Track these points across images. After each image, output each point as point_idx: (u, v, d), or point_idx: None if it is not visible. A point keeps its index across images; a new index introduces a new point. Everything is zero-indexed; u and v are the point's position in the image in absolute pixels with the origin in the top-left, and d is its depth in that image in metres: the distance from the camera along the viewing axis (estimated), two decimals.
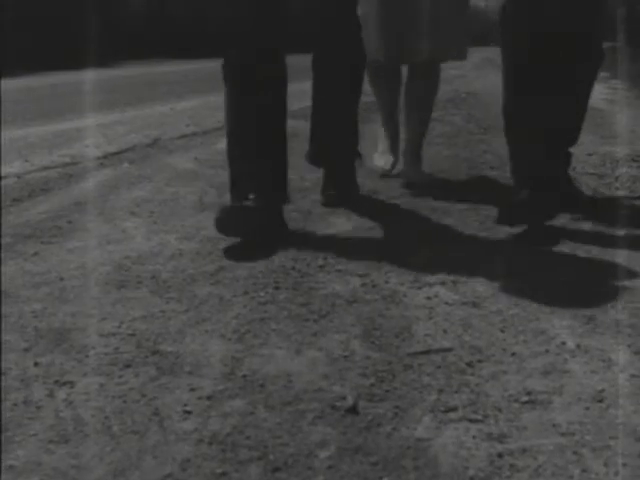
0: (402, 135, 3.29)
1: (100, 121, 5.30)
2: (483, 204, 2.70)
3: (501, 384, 1.44)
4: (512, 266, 2.08)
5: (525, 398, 1.38)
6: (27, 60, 11.66)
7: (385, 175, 3.23)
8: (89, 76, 9.05)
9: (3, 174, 3.45)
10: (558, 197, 2.30)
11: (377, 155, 3.34)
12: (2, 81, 7.86)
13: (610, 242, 2.25)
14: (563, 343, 1.60)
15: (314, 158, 2.80)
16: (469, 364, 1.52)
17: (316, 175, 2.97)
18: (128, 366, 1.54)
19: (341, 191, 2.75)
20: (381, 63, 3.04)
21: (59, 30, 13.32)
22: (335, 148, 2.75)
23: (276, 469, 1.19)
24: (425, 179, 3.13)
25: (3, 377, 1.49)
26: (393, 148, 3.32)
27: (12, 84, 8.59)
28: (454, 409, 1.35)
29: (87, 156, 3.95)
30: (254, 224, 2.26)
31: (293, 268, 2.09)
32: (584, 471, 1.16)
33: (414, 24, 2.89)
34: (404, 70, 3.20)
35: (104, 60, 11.37)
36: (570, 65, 2.21)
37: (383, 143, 3.34)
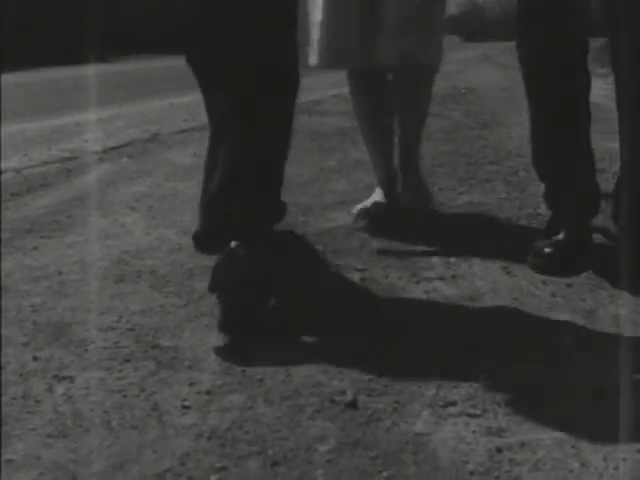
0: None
1: (99, 116, 5.30)
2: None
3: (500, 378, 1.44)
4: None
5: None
6: (26, 55, 11.65)
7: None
8: (88, 71, 9.03)
9: (2, 169, 3.45)
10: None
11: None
12: (1, 76, 7.85)
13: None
14: (562, 338, 1.60)
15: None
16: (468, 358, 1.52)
17: (314, 169, 2.97)
18: (127, 360, 1.54)
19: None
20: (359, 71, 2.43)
21: (58, 26, 13.31)
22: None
23: (275, 463, 1.19)
24: (427, 202, 2.55)
25: (2, 371, 1.49)
26: (388, 190, 2.53)
27: (11, 79, 8.57)
28: (453, 404, 1.35)
29: (86, 151, 3.95)
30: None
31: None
32: (583, 465, 1.16)
33: (376, 22, 2.28)
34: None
35: (103, 55, 11.36)
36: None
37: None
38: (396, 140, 2.54)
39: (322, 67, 2.39)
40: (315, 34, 2.35)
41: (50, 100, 6.63)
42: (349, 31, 2.30)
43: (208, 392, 1.40)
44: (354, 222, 2.45)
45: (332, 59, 2.35)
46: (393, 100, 2.51)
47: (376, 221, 2.42)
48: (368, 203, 2.51)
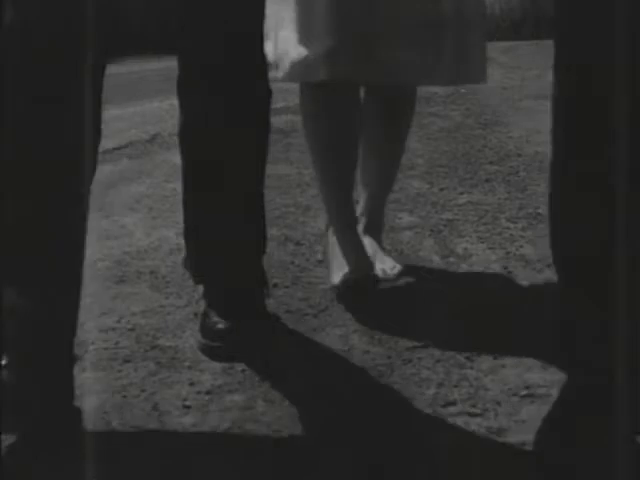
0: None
1: None
2: None
3: (500, 378, 1.44)
4: None
5: (524, 392, 1.38)
6: None
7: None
8: None
9: None
10: None
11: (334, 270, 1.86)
12: None
13: None
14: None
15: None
16: (468, 358, 1.52)
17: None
18: (127, 361, 1.54)
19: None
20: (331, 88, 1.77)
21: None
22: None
23: (276, 463, 1.19)
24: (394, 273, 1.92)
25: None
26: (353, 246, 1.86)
27: None
28: (453, 403, 1.35)
29: None
30: None
31: (292, 263, 2.09)
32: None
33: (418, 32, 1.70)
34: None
35: None
36: None
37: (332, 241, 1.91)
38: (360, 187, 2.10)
39: (292, 80, 1.82)
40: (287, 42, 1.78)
41: None
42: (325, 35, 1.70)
43: (208, 392, 1.41)
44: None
45: (310, 69, 1.73)
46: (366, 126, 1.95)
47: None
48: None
